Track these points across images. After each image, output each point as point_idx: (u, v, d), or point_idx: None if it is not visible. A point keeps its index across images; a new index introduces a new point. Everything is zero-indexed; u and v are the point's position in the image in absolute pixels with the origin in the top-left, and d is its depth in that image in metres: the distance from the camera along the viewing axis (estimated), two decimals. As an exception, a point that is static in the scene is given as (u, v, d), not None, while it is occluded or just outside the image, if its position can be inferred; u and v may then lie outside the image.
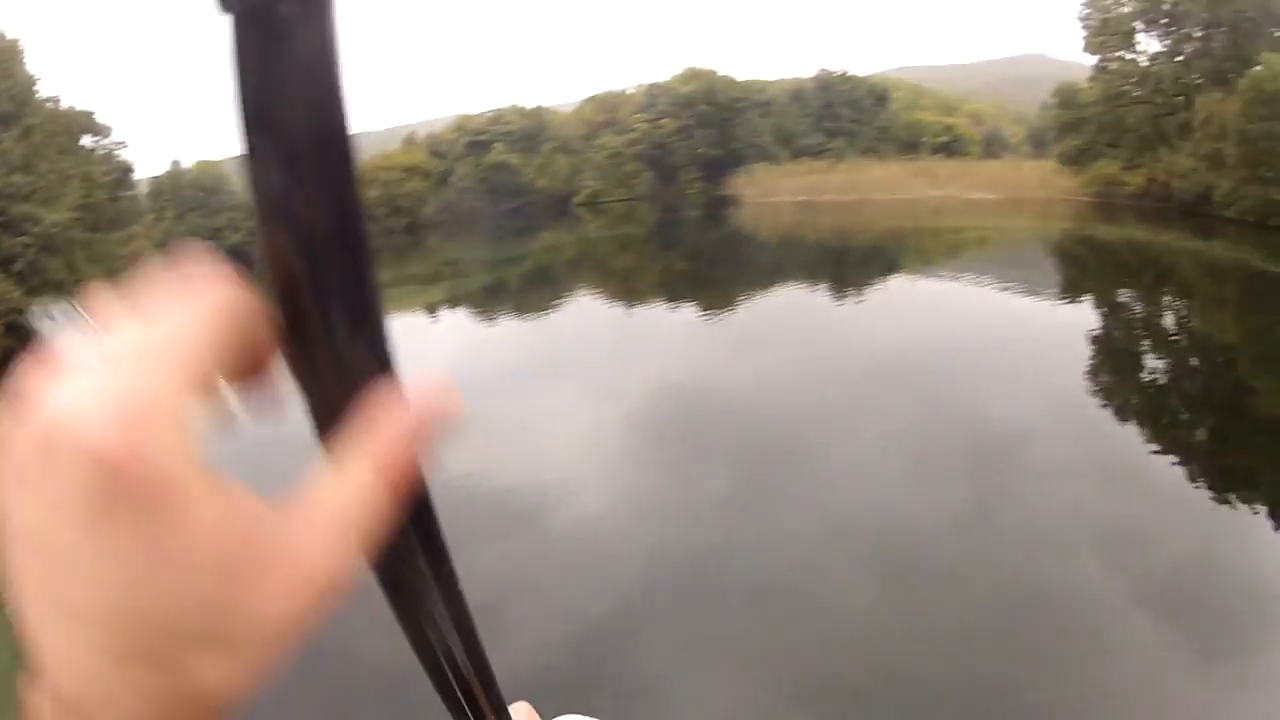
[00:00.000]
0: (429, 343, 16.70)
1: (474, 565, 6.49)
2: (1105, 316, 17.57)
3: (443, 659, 0.45)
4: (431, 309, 21.63)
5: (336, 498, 0.30)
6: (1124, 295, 19.87)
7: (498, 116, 45.95)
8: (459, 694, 0.48)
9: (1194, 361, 14.71)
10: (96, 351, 0.26)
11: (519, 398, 12.25)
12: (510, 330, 19.86)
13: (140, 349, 0.26)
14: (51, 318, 0.27)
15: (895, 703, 5.66)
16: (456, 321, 21.03)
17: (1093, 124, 34.82)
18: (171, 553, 0.25)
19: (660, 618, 6.84)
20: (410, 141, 46.41)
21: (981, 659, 6.04)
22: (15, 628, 0.25)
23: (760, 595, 7.06)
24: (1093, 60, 35.31)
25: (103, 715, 0.26)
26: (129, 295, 0.27)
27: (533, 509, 8.76)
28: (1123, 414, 11.39)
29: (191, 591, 0.26)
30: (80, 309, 0.27)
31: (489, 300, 23.60)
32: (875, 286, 21.49)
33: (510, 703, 0.57)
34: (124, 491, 0.24)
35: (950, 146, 44.47)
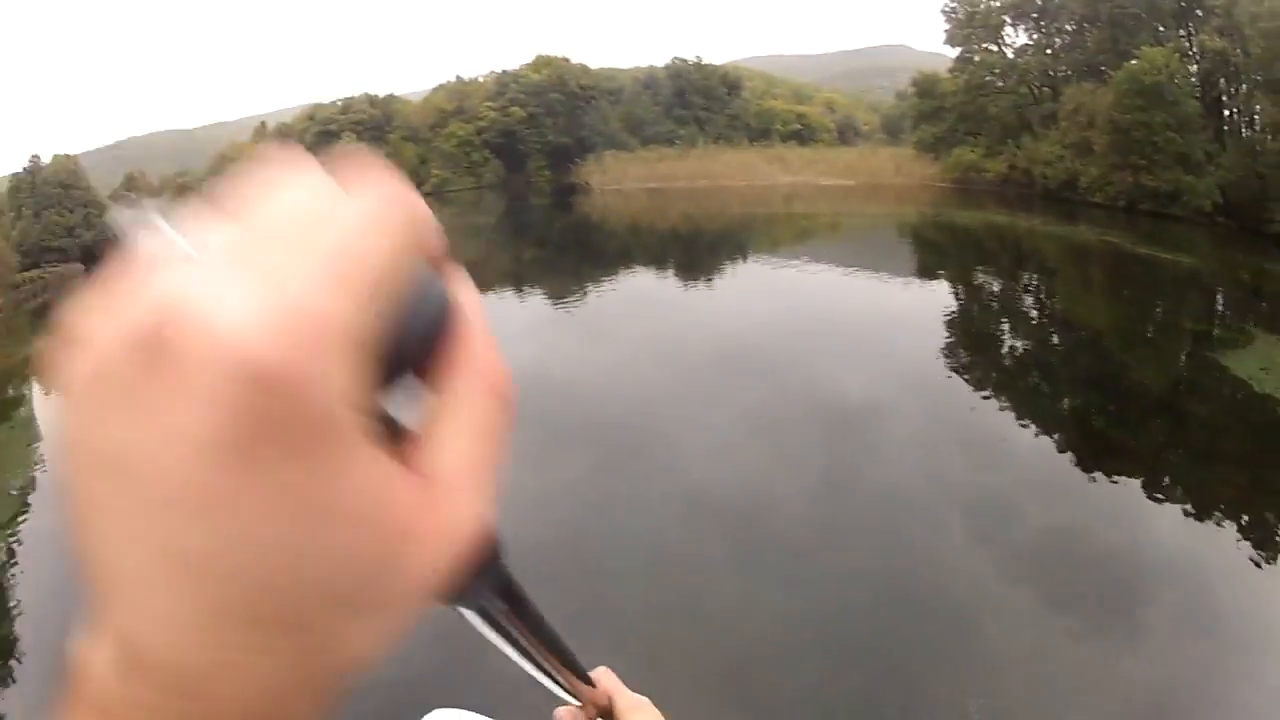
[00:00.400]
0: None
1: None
2: (967, 298, 18.18)
3: (515, 648, 0.48)
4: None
5: (461, 435, 0.27)
6: (983, 277, 20.61)
7: (348, 105, 44.86)
8: (545, 672, 0.53)
9: (1059, 339, 15.52)
10: (225, 247, 0.21)
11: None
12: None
13: (299, 246, 0.21)
14: (141, 212, 0.21)
15: (767, 674, 5.80)
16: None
17: (952, 113, 36.32)
18: (333, 506, 0.21)
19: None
20: (261, 132, 44.53)
21: (851, 626, 6.25)
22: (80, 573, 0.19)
23: (622, 576, 7.15)
24: (954, 52, 36.98)
25: (216, 685, 0.22)
26: (251, 190, 0.22)
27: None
28: (984, 390, 11.78)
29: (351, 553, 0.22)
30: (184, 205, 0.22)
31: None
32: (725, 272, 22.14)
33: (591, 669, 0.64)
34: (280, 422, 0.20)
35: (802, 134, 46.15)
